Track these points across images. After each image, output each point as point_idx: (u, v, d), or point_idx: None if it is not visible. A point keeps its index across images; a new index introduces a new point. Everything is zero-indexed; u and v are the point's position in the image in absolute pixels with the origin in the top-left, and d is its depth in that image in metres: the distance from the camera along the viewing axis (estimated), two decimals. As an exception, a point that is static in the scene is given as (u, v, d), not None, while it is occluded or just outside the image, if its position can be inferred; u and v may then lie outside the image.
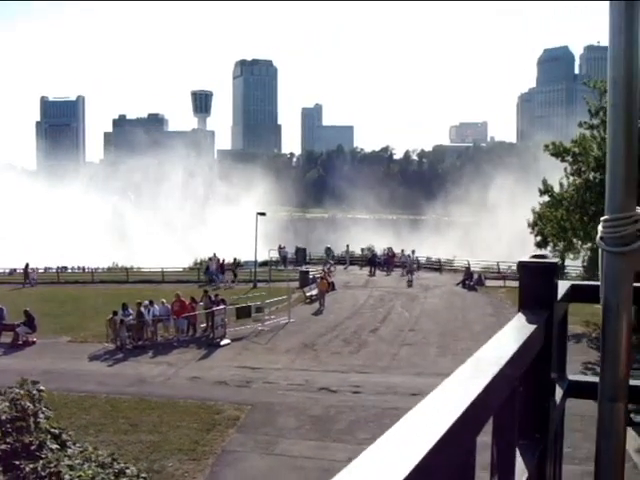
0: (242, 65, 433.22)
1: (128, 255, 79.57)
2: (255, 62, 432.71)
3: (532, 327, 2.02)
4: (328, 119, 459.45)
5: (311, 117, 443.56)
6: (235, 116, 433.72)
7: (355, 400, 22.51)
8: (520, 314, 2.21)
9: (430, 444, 1.05)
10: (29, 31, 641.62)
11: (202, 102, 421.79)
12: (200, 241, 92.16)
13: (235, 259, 56.04)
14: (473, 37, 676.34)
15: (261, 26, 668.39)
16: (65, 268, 68.22)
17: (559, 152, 35.62)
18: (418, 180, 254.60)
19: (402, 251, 60.15)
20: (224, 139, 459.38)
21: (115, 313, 32.43)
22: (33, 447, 9.86)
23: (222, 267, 54.12)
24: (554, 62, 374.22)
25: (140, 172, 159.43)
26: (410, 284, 49.64)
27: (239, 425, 20.24)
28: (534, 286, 2.32)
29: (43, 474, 8.98)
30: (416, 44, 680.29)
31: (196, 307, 34.77)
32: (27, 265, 58.08)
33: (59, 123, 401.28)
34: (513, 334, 1.97)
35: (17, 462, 9.33)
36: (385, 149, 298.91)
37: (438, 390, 1.36)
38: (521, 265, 2.37)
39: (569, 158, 35.44)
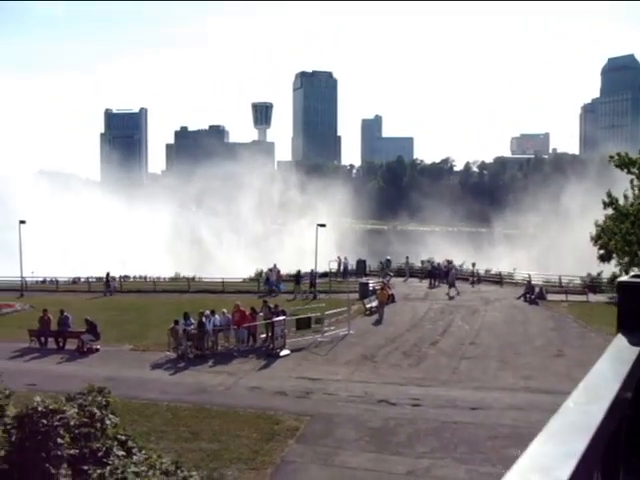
0: (302, 77, 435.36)
1: (191, 265, 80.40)
2: (315, 74, 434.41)
3: (636, 349, 1.98)
4: (388, 130, 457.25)
5: (371, 128, 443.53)
6: (295, 127, 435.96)
7: (414, 413, 22.43)
8: (620, 335, 2.16)
9: (566, 472, 1.07)
10: (93, 45, 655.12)
11: (262, 114, 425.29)
12: (263, 252, 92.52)
13: (312, 270, 55.82)
14: (535, 47, 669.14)
15: (321, 37, 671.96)
16: (127, 277, 69.17)
17: (624, 163, 34.98)
18: (479, 192, 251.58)
19: (450, 262, 59.36)
20: (284, 150, 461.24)
21: (177, 322, 32.87)
22: (100, 453, 10.10)
23: (297, 278, 53.60)
24: (619, 71, 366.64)
25: (202, 183, 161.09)
26: (451, 297, 49.03)
27: (298, 436, 20.34)
28: (635, 306, 2.25)
29: (110, 480, 9.20)
30: (477, 54, 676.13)
31: (256, 317, 34.96)
32: (108, 274, 59.07)
33: (123, 135, 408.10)
34: (619, 356, 1.93)
35: (85, 467, 9.58)
36: (445, 161, 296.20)
37: (559, 416, 1.37)
38: (621, 285, 2.29)
39: (635, 170, 34.76)
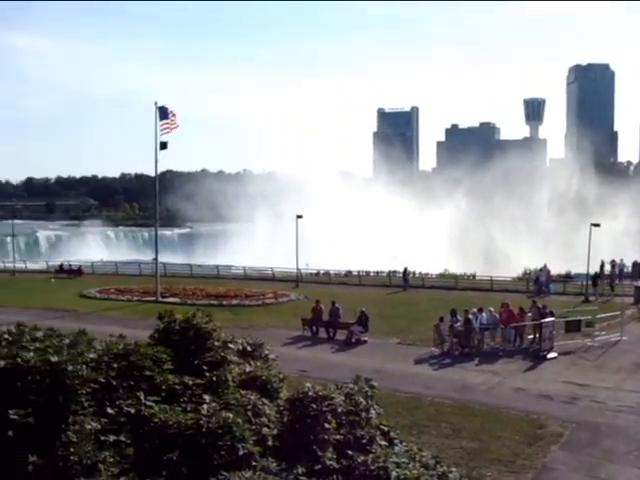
0: (576, 70, 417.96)
1: (466, 262, 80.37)
2: (590, 66, 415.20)
3: None
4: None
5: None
6: (569, 124, 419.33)
7: (695, 431, 20.92)
8: None
9: None
10: (364, 48, 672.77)
11: (534, 110, 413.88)
12: (533, 251, 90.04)
13: (612, 270, 53.47)
14: None
15: (597, 27, 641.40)
16: (396, 272, 70.39)
17: None
18: None
19: None
20: (556, 148, 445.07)
21: (441, 319, 33.05)
22: (364, 441, 10.54)
23: (595, 279, 50.68)
24: None
25: (473, 180, 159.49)
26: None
27: (562, 442, 19.75)
28: None
29: (372, 467, 9.58)
30: None
31: (525, 317, 34.25)
32: (405, 269, 60.88)
33: (394, 133, 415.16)
34: None
35: (350, 452, 10.05)
36: None
37: None
38: None
39: None
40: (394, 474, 9.48)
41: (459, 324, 33.05)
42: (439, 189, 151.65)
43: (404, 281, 58.95)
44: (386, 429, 11.48)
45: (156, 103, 49.17)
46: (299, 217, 61.50)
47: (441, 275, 68.38)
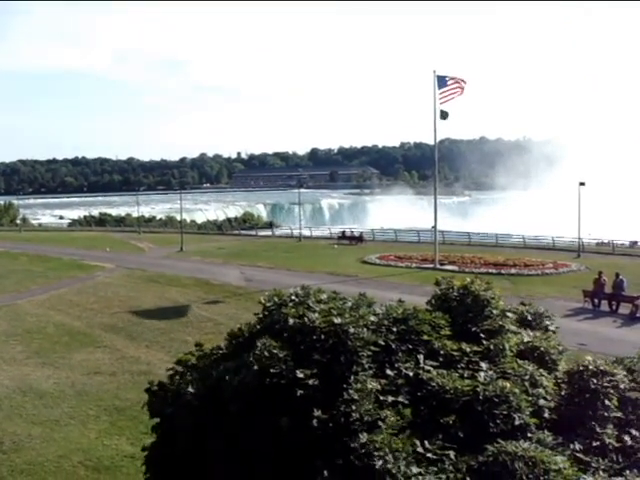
0: None
1: None
2: None
3: None
4: None
5: None
6: None
7: None
8: None
9: None
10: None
11: None
12: None
13: None
14: None
15: None
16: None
17: None
18: None
19: None
20: None
21: None
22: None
23: None
24: None
25: None
26: None
27: None
28: None
29: None
30: None
31: None
32: None
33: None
34: None
35: (632, 432, 9.67)
36: None
37: None
38: None
39: None
40: None
41: None
42: None
43: None
44: None
45: (434, 72, 49.35)
46: (581, 184, 59.10)
47: None
